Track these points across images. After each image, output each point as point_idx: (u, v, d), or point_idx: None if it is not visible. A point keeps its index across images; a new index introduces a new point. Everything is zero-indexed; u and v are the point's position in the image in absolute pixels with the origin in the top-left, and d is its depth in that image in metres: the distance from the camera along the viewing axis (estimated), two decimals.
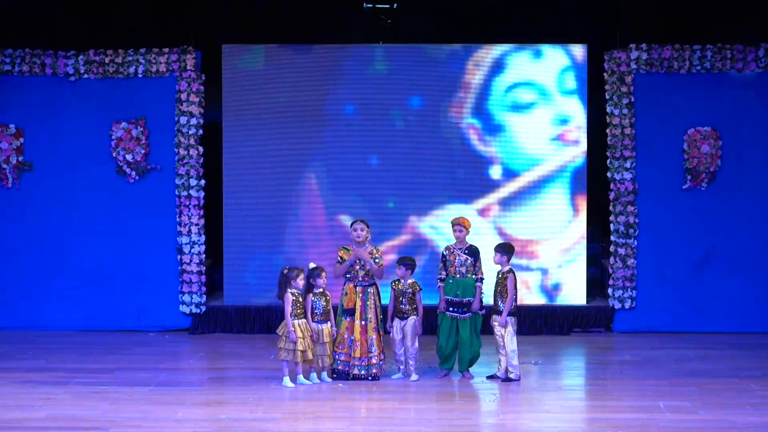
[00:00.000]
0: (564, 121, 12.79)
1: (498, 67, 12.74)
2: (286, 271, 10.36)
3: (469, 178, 12.76)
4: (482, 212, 12.78)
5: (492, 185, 12.81)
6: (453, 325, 10.60)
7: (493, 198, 12.77)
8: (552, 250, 12.89)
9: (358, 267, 10.51)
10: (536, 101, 12.71)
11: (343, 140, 12.99)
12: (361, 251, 10.42)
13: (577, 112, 12.82)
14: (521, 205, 12.83)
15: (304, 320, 10.32)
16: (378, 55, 12.91)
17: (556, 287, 12.92)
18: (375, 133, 12.97)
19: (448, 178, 12.82)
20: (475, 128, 12.57)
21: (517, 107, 12.73)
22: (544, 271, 12.92)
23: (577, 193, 12.89)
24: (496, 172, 12.70)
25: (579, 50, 12.81)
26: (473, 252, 10.65)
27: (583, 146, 12.84)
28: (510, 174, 12.80)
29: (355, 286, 10.52)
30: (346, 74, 12.93)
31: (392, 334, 10.63)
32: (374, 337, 10.50)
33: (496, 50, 12.70)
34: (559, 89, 12.77)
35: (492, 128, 12.73)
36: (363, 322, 10.49)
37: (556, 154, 12.81)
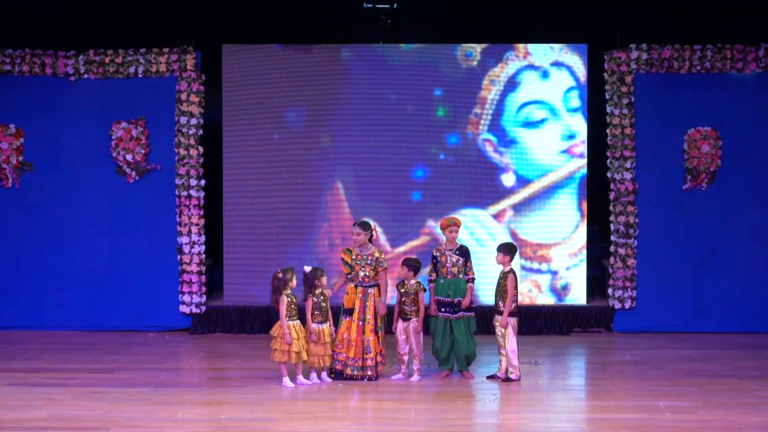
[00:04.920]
0: (570, 137, 12.94)
1: (511, 85, 12.86)
2: (280, 275, 10.34)
3: (484, 184, 12.90)
4: (497, 216, 12.87)
5: (505, 191, 12.91)
6: (446, 326, 10.61)
7: (506, 203, 12.88)
8: (561, 253, 12.95)
9: (359, 268, 10.52)
10: (546, 118, 12.88)
11: (344, 140, 13.00)
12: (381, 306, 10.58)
13: (581, 128, 12.94)
14: (533, 210, 12.91)
15: (298, 321, 10.32)
16: (381, 57, 12.97)
17: (565, 288, 12.97)
18: (376, 133, 12.98)
19: (464, 183, 12.90)
20: (491, 142, 12.71)
21: (529, 123, 12.91)
22: (554, 273, 12.97)
23: (584, 199, 12.97)
24: (509, 180, 12.81)
25: (582, 71, 12.92)
26: (464, 252, 10.66)
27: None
28: (522, 181, 12.90)
29: (356, 287, 10.52)
30: (345, 74, 12.94)
31: (396, 334, 10.64)
32: (371, 338, 10.49)
33: (510, 68, 12.84)
34: (565, 107, 12.90)
35: (506, 142, 12.90)
36: (360, 323, 10.49)
37: (564, 165, 12.92)
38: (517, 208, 12.94)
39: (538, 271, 12.97)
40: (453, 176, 12.93)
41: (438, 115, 12.93)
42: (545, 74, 12.94)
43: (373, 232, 10.65)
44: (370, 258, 10.54)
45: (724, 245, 12.85)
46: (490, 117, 12.91)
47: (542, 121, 12.95)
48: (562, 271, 12.99)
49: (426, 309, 10.68)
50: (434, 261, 10.71)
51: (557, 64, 12.93)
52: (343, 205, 12.97)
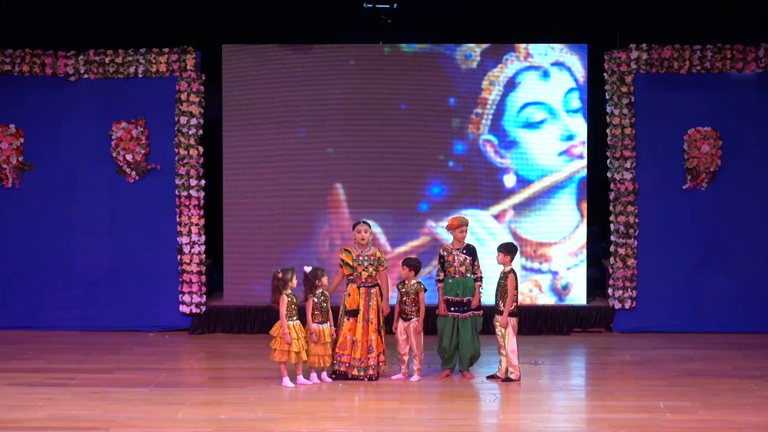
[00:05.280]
0: (570, 137, 12.94)
1: (511, 86, 12.86)
2: (280, 275, 10.34)
3: (485, 185, 12.91)
4: (497, 217, 12.88)
5: (506, 192, 12.91)
6: (454, 325, 10.60)
7: (507, 204, 12.89)
8: (561, 252, 12.96)
9: (361, 269, 10.52)
10: (546, 119, 12.88)
11: (343, 140, 13.00)
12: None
13: (581, 129, 12.94)
14: (533, 210, 12.93)
15: (299, 321, 10.32)
16: (382, 57, 12.97)
17: (566, 288, 12.99)
18: (375, 133, 12.98)
19: (465, 184, 12.91)
20: (492, 143, 12.71)
21: (529, 125, 12.92)
22: (554, 273, 12.98)
23: (583, 200, 12.98)
24: (510, 181, 12.81)
25: (581, 72, 12.90)
26: (471, 251, 10.66)
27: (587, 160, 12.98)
28: (523, 182, 12.91)
29: (359, 287, 10.53)
30: (345, 74, 12.94)
31: (397, 334, 10.64)
32: (374, 338, 10.50)
33: (509, 69, 12.85)
34: (564, 109, 12.91)
35: (507, 143, 12.91)
36: (365, 323, 10.49)
37: (564, 166, 12.93)
38: (518, 208, 12.95)
39: (539, 271, 12.98)
40: (454, 177, 12.92)
41: (439, 116, 12.92)
42: (545, 74, 12.94)
43: None
44: (372, 258, 10.54)
45: (724, 245, 12.84)
46: (490, 117, 12.91)
47: (542, 122, 12.94)
48: (562, 271, 13.00)
49: (427, 309, 10.68)
50: (441, 261, 10.70)
51: (557, 64, 12.93)
52: (343, 206, 12.97)
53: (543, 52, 12.91)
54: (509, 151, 12.93)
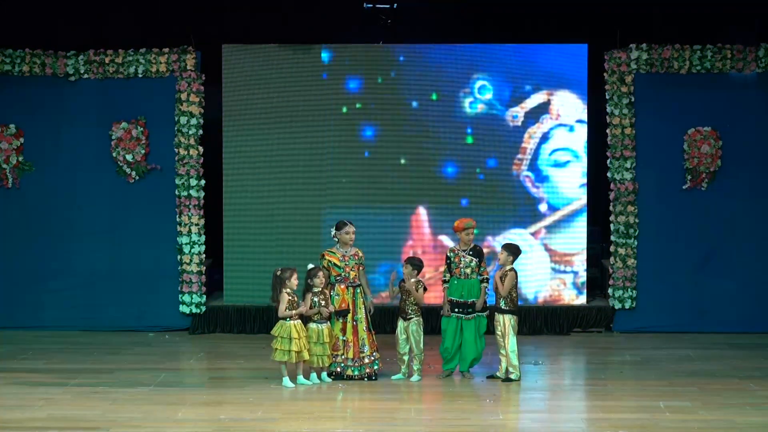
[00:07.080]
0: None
1: (544, 139, 13.08)
2: (279, 273, 10.36)
3: (524, 210, 13.22)
4: (534, 234, 13.09)
5: (540, 215, 13.16)
6: (458, 326, 10.60)
7: (541, 224, 13.17)
8: (580, 259, 13.11)
9: (348, 269, 10.53)
10: (570, 160, 13.06)
11: (344, 141, 13.00)
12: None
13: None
14: (561, 229, 13.13)
15: (299, 321, 10.32)
16: (383, 58, 12.99)
17: (584, 284, 13.12)
18: (376, 134, 13.00)
19: (509, 209, 13.19)
20: (530, 178, 13.02)
21: (557, 165, 13.11)
22: (575, 274, 13.05)
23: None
24: (543, 207, 13.14)
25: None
26: (478, 253, 10.66)
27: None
28: (552, 208, 13.12)
29: (347, 287, 10.54)
30: (345, 74, 12.95)
31: (397, 334, 10.64)
32: (365, 336, 10.52)
33: (544, 126, 13.11)
34: (585, 152, 13.11)
35: (540, 178, 13.10)
36: (354, 323, 10.51)
37: (584, 195, 13.12)
38: (549, 227, 13.14)
39: (564, 272, 13.11)
40: (502, 202, 13.18)
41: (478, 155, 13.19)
42: (571, 129, 13.01)
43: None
44: (356, 257, 10.59)
45: (724, 245, 12.85)
46: (528, 160, 13.13)
47: (567, 162, 13.12)
48: (581, 273, 13.09)
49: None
50: (448, 261, 10.71)
51: (580, 121, 13.02)
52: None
53: (569, 114, 13.01)
54: (543, 184, 13.08)
